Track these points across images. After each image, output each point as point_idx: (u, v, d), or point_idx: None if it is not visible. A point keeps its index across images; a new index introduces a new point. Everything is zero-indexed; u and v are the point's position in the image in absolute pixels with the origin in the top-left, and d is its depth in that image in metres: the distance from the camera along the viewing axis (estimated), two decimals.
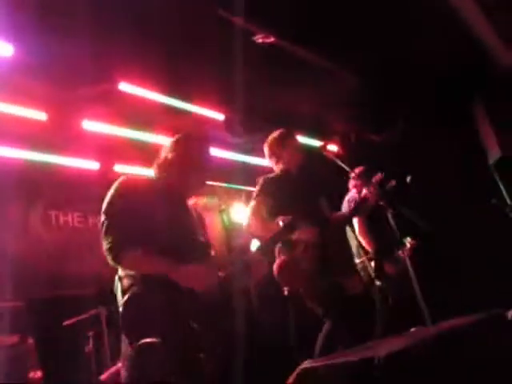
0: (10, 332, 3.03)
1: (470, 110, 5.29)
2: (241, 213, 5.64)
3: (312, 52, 4.12)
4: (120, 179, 2.11)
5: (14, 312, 3.18)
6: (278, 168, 3.22)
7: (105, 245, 1.95)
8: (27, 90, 3.63)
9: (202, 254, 2.16)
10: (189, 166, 2.20)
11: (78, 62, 3.54)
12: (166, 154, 2.25)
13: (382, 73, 4.37)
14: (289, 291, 2.97)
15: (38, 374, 3.26)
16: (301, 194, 3.03)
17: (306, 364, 1.20)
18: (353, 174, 3.67)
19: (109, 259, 1.94)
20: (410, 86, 4.69)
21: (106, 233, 1.96)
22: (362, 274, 3.78)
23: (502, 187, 4.84)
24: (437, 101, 4.90)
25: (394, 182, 3.32)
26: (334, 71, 4.37)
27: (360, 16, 3.76)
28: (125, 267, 1.94)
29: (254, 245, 5.56)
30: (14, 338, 3.02)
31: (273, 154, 3.22)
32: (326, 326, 2.83)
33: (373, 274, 3.68)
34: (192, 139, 2.29)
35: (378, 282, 3.66)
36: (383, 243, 3.50)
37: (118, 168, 4.56)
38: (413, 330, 2.02)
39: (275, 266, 2.98)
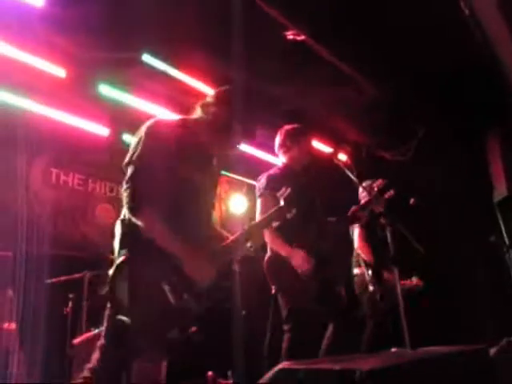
0: None
1: (485, 142, 5.27)
2: (240, 204, 5.65)
3: (338, 57, 4.09)
4: (152, 123, 2.00)
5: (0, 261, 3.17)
6: (283, 159, 3.23)
7: (128, 191, 1.87)
8: (51, 43, 3.59)
9: (207, 228, 2.12)
10: (227, 125, 2.09)
11: (105, 25, 3.51)
12: (208, 105, 2.15)
13: (402, 91, 4.35)
14: (276, 289, 2.97)
15: (12, 325, 3.27)
16: (300, 192, 3.02)
17: (285, 365, 1.18)
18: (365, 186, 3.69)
19: (126, 207, 1.87)
20: (429, 109, 4.68)
21: (133, 179, 1.87)
22: (359, 284, 3.82)
23: (502, 226, 4.83)
24: (453, 127, 4.88)
25: (412, 200, 3.37)
26: (356, 80, 4.34)
27: (392, 34, 3.74)
28: (139, 221, 1.84)
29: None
30: None
31: (283, 145, 3.21)
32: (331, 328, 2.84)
33: (368, 281, 3.67)
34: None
35: (371, 287, 3.65)
36: (382, 254, 3.49)
37: (127, 138, 4.53)
38: (393, 349, 2.02)
39: (265, 261, 3.00)
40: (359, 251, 3.88)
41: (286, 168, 3.17)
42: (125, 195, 1.89)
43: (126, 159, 1.96)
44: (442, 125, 4.87)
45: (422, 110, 4.65)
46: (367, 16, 3.52)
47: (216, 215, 6.02)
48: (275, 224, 2.86)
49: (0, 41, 3.39)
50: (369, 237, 3.83)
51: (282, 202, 2.35)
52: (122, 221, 1.91)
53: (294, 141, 3.17)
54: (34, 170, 4.18)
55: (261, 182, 3.08)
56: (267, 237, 2.94)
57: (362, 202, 3.39)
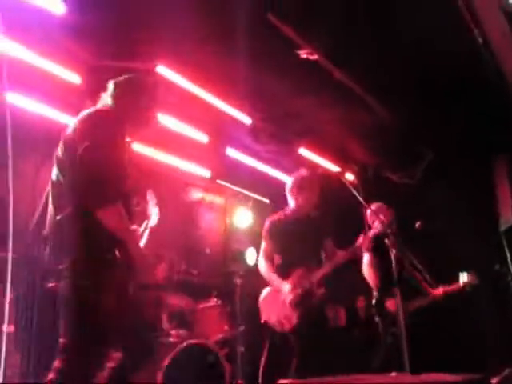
0: None
1: (492, 169, 5.25)
2: (244, 218, 5.65)
3: (350, 78, 4.12)
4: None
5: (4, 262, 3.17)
6: (292, 204, 3.47)
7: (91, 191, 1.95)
8: (68, 50, 3.66)
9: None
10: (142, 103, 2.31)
11: (122, 34, 3.57)
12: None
13: (413, 115, 4.36)
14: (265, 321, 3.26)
15: (11, 328, 3.26)
16: (302, 237, 3.29)
17: (286, 381, 1.17)
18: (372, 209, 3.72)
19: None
20: (437, 133, 4.68)
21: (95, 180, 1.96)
22: (365, 309, 3.83)
23: (508, 254, 4.77)
24: (461, 152, 4.88)
25: (418, 224, 3.43)
26: (367, 102, 4.36)
27: (406, 59, 3.77)
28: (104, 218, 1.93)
29: (251, 255, 5.56)
30: None
31: (290, 193, 3.48)
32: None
33: (373, 310, 3.68)
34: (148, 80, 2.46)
35: (376, 318, 3.65)
36: (387, 280, 3.47)
37: (136, 147, 4.57)
38: (393, 374, 1.99)
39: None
40: (365, 273, 3.87)
41: (291, 214, 3.44)
42: None
43: None
44: (450, 149, 4.87)
45: (431, 134, 4.66)
46: (381, 38, 3.55)
47: (220, 228, 6.07)
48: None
49: (19, 45, 3.45)
50: (378, 262, 3.79)
51: None
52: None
53: (300, 191, 3.41)
54: (42, 171, 4.21)
55: (264, 226, 3.43)
56: (267, 277, 3.34)
57: (373, 231, 3.42)
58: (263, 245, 3.45)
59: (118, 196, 1.94)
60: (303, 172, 3.52)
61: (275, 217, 3.47)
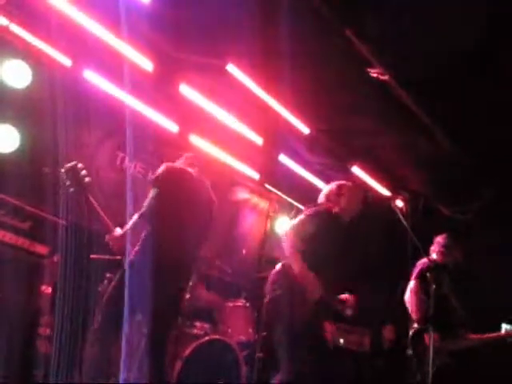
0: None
1: None
2: (284, 226, 5.64)
3: (419, 106, 4.03)
4: None
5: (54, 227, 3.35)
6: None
7: None
8: (146, 37, 3.80)
9: None
10: None
11: (199, 29, 3.67)
12: None
13: (479, 151, 4.21)
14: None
15: (49, 289, 3.42)
16: (338, 246, 3.05)
17: None
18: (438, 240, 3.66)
19: None
20: (501, 175, 4.49)
21: None
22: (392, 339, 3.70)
23: None
24: None
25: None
26: (432, 131, 4.25)
27: (480, 103, 3.67)
28: None
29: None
30: (45, 249, 3.19)
31: (328, 200, 3.23)
32: None
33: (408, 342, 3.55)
34: None
35: (409, 352, 3.51)
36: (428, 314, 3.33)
37: (193, 138, 4.69)
38: None
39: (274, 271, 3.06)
40: (407, 304, 3.71)
41: (336, 215, 3.16)
42: None
43: None
44: (510, 193, 4.66)
45: (495, 175, 4.46)
46: (457, 76, 3.46)
47: (260, 232, 6.06)
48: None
49: (102, 27, 3.63)
50: (423, 293, 3.57)
51: None
52: None
53: (338, 194, 3.20)
54: (102, 148, 4.40)
55: (317, 210, 3.10)
56: (289, 249, 2.94)
57: (430, 261, 3.32)
58: (303, 220, 3.06)
59: None
60: (343, 182, 3.34)
61: (330, 208, 3.16)
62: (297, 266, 2.88)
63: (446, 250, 3.76)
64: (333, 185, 3.30)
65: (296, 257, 2.91)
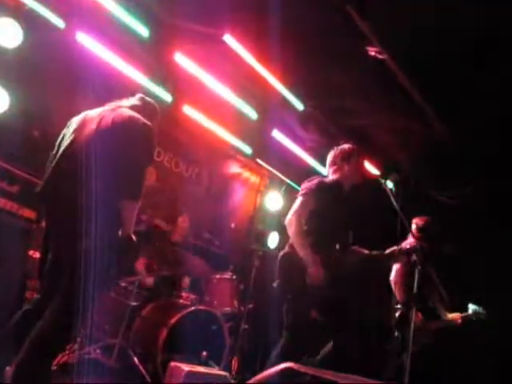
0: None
1: None
2: (275, 202, 5.67)
3: (414, 86, 4.01)
4: None
5: None
6: (332, 177, 3.21)
7: None
8: (142, 2, 3.71)
9: None
10: None
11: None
12: None
13: (473, 137, 4.22)
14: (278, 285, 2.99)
15: (37, 254, 3.41)
16: (340, 214, 3.04)
17: (291, 366, 1.20)
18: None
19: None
20: (491, 162, 4.52)
21: None
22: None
23: None
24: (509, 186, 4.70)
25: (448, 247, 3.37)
26: (426, 113, 4.24)
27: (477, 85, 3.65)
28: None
29: (273, 239, 5.57)
30: (33, 214, 3.16)
31: (334, 163, 3.21)
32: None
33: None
34: None
35: (396, 333, 3.60)
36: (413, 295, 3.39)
37: (187, 109, 4.63)
38: None
39: (280, 255, 3.05)
40: (393, 286, 3.80)
41: (336, 184, 3.15)
42: None
43: None
44: (499, 181, 4.69)
45: (484, 161, 4.49)
46: (455, 60, 3.44)
47: (250, 207, 6.07)
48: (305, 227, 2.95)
49: None
50: (408, 274, 3.64)
51: None
52: None
53: (346, 159, 3.17)
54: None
55: (312, 183, 3.04)
56: (295, 237, 2.93)
57: (406, 246, 3.35)
58: (301, 201, 2.99)
59: None
60: (350, 145, 3.28)
61: (325, 180, 3.13)
62: (302, 252, 2.88)
63: (422, 233, 3.80)
64: (340, 148, 3.24)
65: (301, 241, 2.91)
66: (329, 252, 2.99)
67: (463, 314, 3.86)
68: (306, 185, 3.07)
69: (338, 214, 3.00)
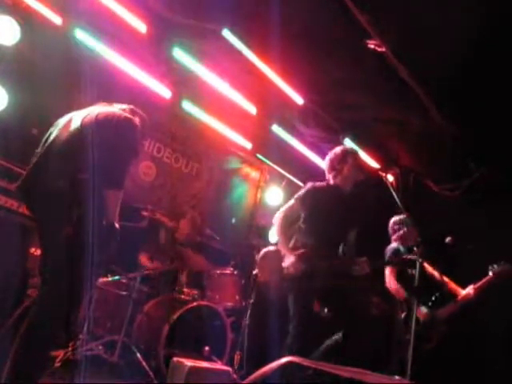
0: None
1: None
2: (275, 196, 5.67)
3: (414, 79, 3.99)
4: None
5: None
6: (333, 182, 3.24)
7: None
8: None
9: None
10: None
11: None
12: None
13: (471, 129, 4.20)
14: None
15: (38, 251, 3.41)
16: (336, 217, 3.09)
17: (294, 359, 1.20)
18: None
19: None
20: (490, 154, 4.51)
21: None
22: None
23: None
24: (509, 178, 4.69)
25: (449, 239, 3.38)
26: (425, 106, 4.23)
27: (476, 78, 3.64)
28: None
29: (274, 233, 5.58)
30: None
31: (333, 168, 3.24)
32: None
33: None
34: None
35: (407, 336, 3.59)
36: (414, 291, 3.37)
37: (186, 104, 4.62)
38: (397, 377, 2.00)
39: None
40: (391, 289, 3.79)
41: (335, 187, 3.20)
42: None
43: None
44: (499, 173, 4.68)
45: (484, 153, 4.48)
46: (453, 47, 3.42)
47: (250, 201, 6.08)
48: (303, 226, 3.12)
49: None
50: (401, 274, 3.73)
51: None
52: None
53: (342, 162, 3.21)
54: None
55: (304, 189, 3.17)
56: (277, 234, 3.18)
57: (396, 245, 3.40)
58: (292, 204, 3.16)
59: None
60: (347, 146, 3.39)
61: (316, 184, 3.19)
62: (283, 248, 3.09)
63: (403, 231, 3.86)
64: (337, 151, 3.28)
65: (282, 239, 3.13)
66: (325, 251, 3.03)
67: (481, 282, 3.79)
68: (302, 189, 3.22)
69: (334, 214, 3.07)
